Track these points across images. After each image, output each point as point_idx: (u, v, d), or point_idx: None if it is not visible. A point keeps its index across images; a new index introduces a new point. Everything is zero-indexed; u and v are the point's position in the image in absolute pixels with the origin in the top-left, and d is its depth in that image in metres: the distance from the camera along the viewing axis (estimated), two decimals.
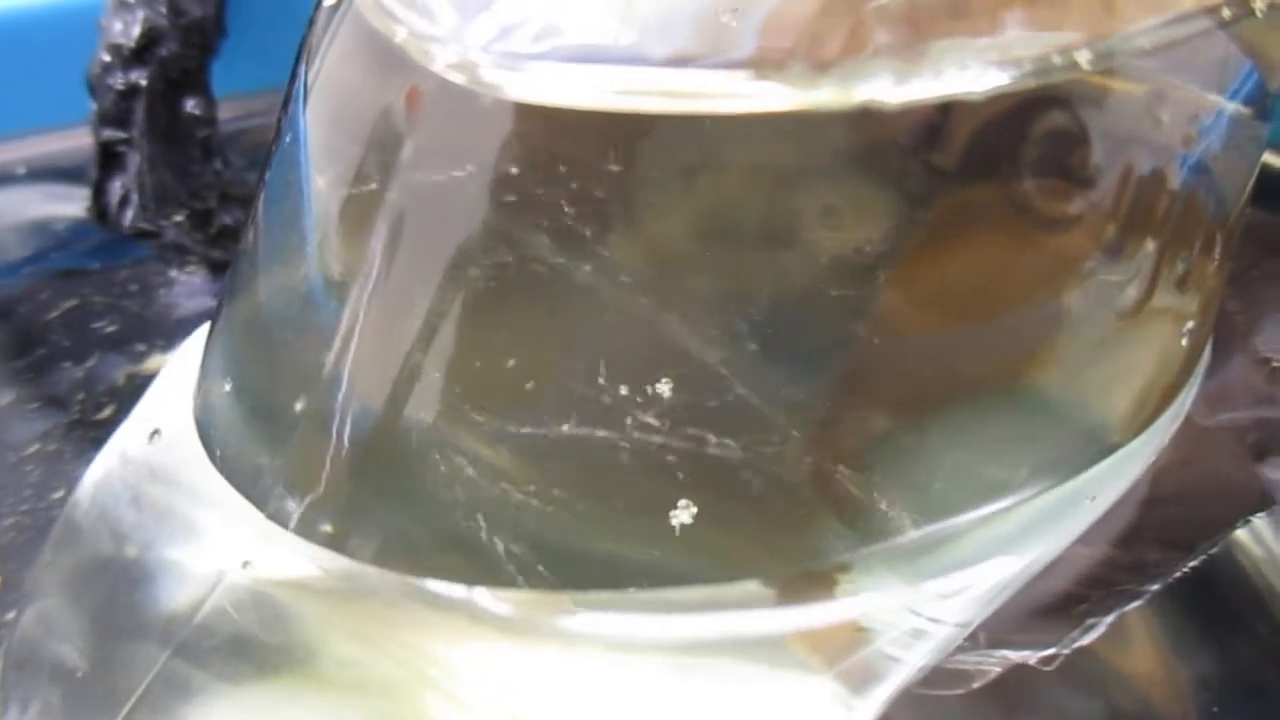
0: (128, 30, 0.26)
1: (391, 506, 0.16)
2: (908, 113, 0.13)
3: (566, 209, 0.14)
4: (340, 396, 0.15)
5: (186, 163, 0.26)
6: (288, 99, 0.17)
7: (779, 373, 0.14)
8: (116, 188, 0.26)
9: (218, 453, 0.17)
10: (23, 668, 0.17)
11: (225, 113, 0.28)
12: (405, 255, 0.15)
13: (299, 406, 0.16)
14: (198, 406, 0.18)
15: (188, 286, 0.26)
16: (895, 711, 0.15)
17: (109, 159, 0.26)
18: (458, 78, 0.14)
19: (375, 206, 0.15)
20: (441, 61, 0.14)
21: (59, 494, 0.21)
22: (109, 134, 0.26)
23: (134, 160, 0.26)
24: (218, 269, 0.27)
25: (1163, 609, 0.20)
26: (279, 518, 0.16)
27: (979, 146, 0.14)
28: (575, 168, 0.14)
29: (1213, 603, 0.20)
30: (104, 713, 0.15)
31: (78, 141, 0.27)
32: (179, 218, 0.26)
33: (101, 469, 0.19)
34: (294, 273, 0.16)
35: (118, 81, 0.26)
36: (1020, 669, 0.16)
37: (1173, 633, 0.20)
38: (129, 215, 0.26)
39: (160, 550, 0.17)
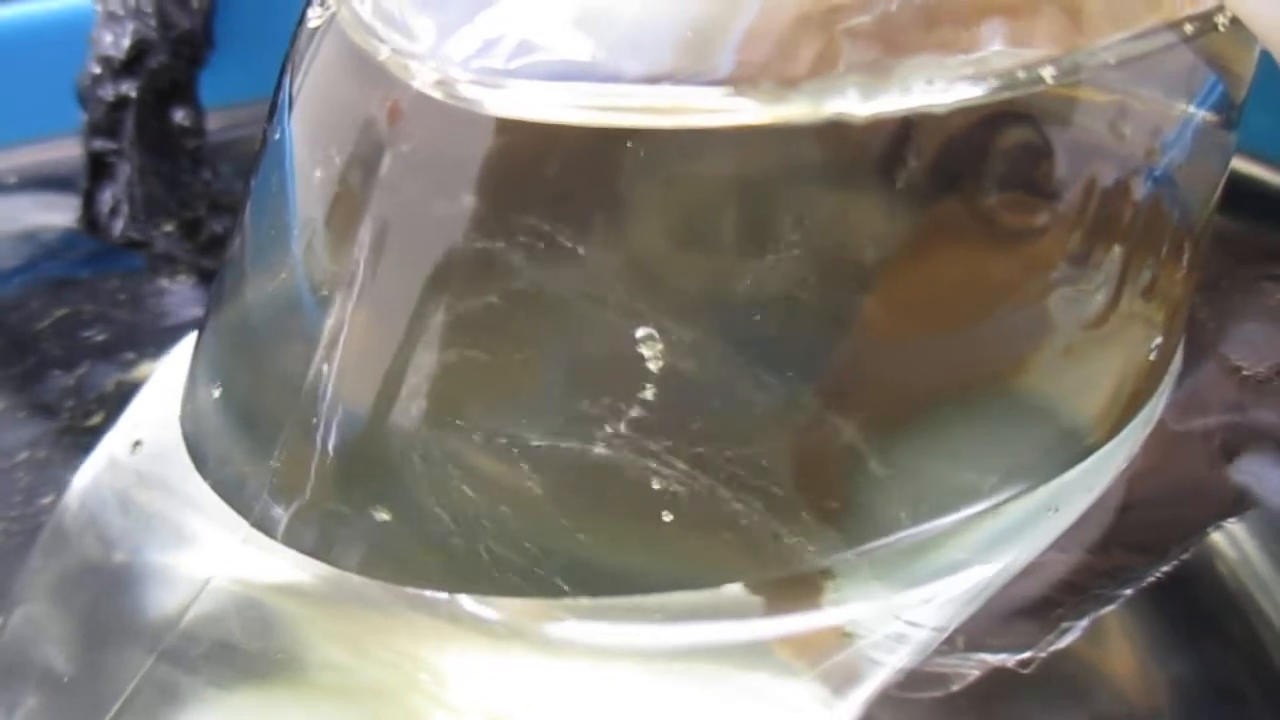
0: (117, 42, 0.26)
1: (377, 514, 0.16)
2: (877, 127, 0.14)
3: (545, 222, 0.14)
4: (325, 405, 0.16)
5: (176, 173, 0.27)
6: (272, 111, 0.17)
7: (757, 381, 0.15)
8: (107, 197, 0.26)
9: (205, 460, 0.17)
10: (9, 672, 0.17)
11: (214, 123, 0.28)
12: (388, 266, 0.15)
13: (284, 415, 0.16)
14: (185, 414, 0.18)
15: (177, 295, 0.26)
16: (877, 714, 0.16)
17: (99, 169, 0.27)
18: (437, 94, 0.14)
19: (358, 218, 0.15)
20: (421, 78, 0.14)
21: (48, 500, 0.21)
22: (99, 144, 0.26)
23: (124, 170, 0.26)
24: (207, 278, 0.27)
25: (1140, 612, 0.20)
26: (265, 525, 0.16)
27: (946, 160, 0.14)
28: (553, 181, 0.14)
29: (1189, 606, 0.20)
30: (89, 717, 0.16)
31: (68, 152, 0.27)
32: (169, 227, 0.27)
33: (89, 475, 0.19)
34: (279, 282, 0.17)
35: (107, 93, 0.26)
36: (1000, 672, 0.17)
37: (1150, 636, 0.20)
38: (119, 225, 0.26)
39: (147, 556, 0.17)
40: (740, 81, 0.14)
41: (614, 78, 0.14)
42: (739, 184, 0.14)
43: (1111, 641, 0.20)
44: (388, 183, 0.15)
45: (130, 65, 0.26)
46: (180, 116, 0.27)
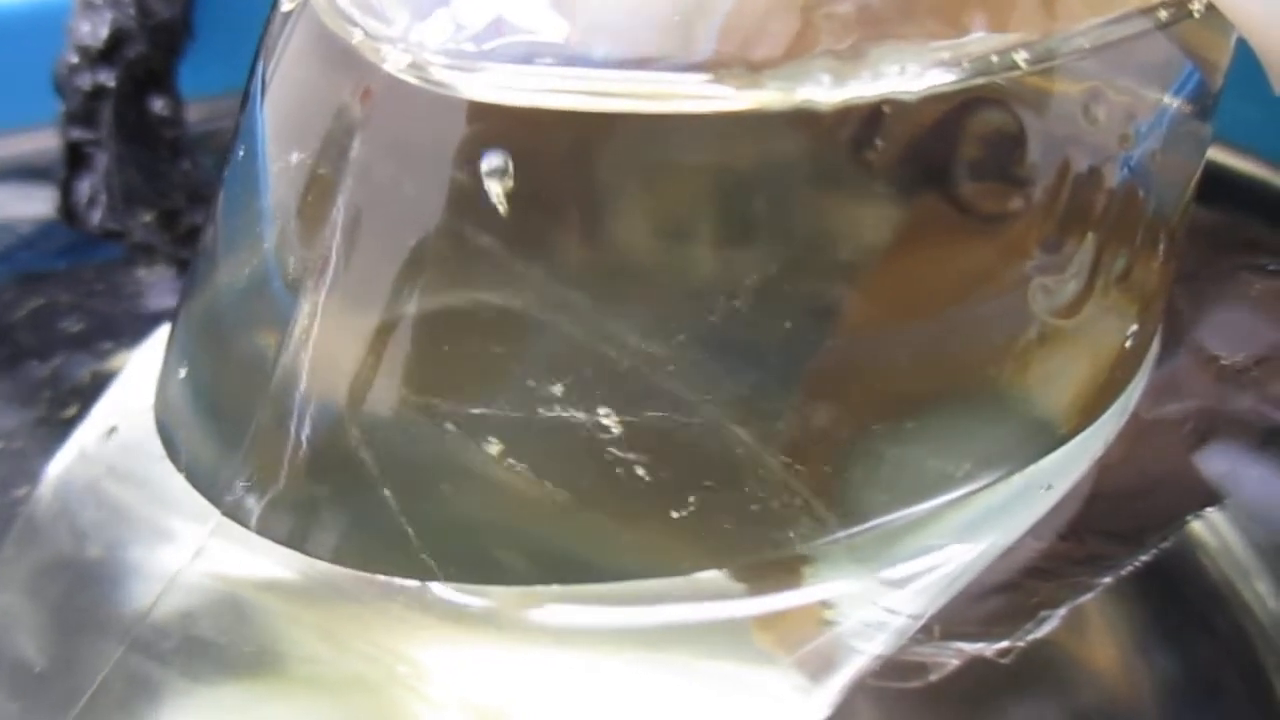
0: (95, 31, 0.26)
1: (352, 504, 0.16)
2: (850, 115, 0.14)
3: (518, 208, 0.14)
4: (298, 394, 0.15)
5: (154, 163, 0.26)
6: (245, 98, 0.17)
7: (737, 372, 0.15)
8: (84, 187, 0.26)
9: (177, 450, 0.17)
10: None
11: (194, 115, 0.28)
12: (360, 253, 0.15)
13: (257, 405, 0.16)
14: (157, 404, 0.18)
15: (155, 286, 0.26)
16: (857, 706, 0.16)
17: (77, 159, 0.26)
18: (409, 77, 0.14)
19: (330, 205, 0.15)
20: (394, 61, 0.14)
21: (22, 491, 0.21)
22: (76, 134, 0.26)
23: (102, 160, 0.26)
24: (186, 268, 0.27)
25: (1121, 603, 0.20)
26: (238, 515, 0.16)
27: (919, 148, 0.14)
28: (526, 167, 0.14)
29: (1171, 597, 0.20)
30: (60, 708, 0.16)
31: (45, 142, 0.27)
32: (147, 217, 0.26)
33: (62, 465, 0.19)
34: (251, 270, 0.16)
35: (85, 82, 0.26)
36: (979, 664, 0.17)
37: (1132, 627, 0.20)
38: (97, 215, 0.26)
39: (119, 547, 0.17)
40: (716, 67, 0.14)
41: (590, 62, 0.14)
42: (715, 173, 0.14)
43: (1093, 633, 0.20)
44: (359, 169, 0.15)
45: (108, 54, 0.26)
46: (159, 106, 0.27)
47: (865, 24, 0.14)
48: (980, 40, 0.14)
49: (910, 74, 0.14)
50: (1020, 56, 0.14)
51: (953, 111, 0.14)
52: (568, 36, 0.14)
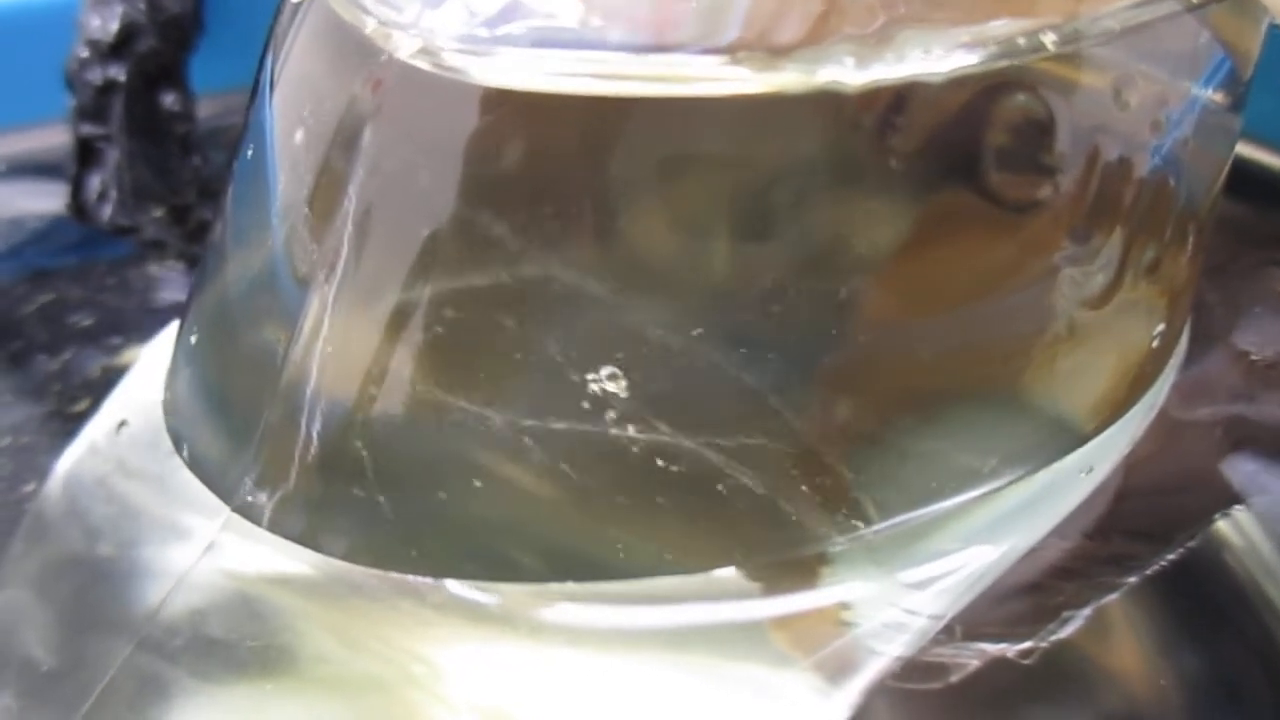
0: (105, 26, 0.26)
1: (363, 501, 0.15)
2: (874, 100, 0.13)
3: (532, 197, 0.14)
4: (308, 390, 0.15)
5: (165, 158, 0.26)
6: (255, 91, 0.17)
7: (755, 366, 0.14)
8: (95, 183, 0.26)
9: (186, 447, 0.17)
10: None
11: (206, 110, 0.28)
12: (372, 246, 0.15)
13: (266, 401, 0.16)
14: (166, 400, 0.18)
15: (166, 281, 0.26)
16: (876, 708, 0.15)
17: (87, 154, 0.26)
18: (422, 63, 0.14)
19: (341, 197, 0.15)
20: (406, 47, 0.14)
21: (30, 487, 0.21)
22: (87, 129, 0.26)
23: (112, 155, 0.26)
24: (196, 264, 0.26)
25: (1145, 604, 0.20)
26: (250, 513, 0.16)
27: (946, 134, 0.14)
28: (540, 154, 0.14)
29: (1195, 597, 0.20)
30: (68, 706, 0.15)
31: (56, 137, 0.27)
32: (158, 213, 0.26)
33: (71, 460, 0.19)
34: (261, 265, 0.16)
35: (96, 77, 0.26)
36: (1000, 665, 0.16)
37: (1155, 628, 0.19)
38: (108, 210, 0.26)
39: (129, 544, 0.17)
40: (736, 49, 0.13)
41: (605, 45, 0.14)
42: (735, 163, 0.14)
43: (1116, 634, 0.19)
44: (370, 160, 0.15)
45: (118, 49, 0.26)
46: (169, 101, 0.26)
47: (890, 9, 0.14)
48: (1006, 23, 0.14)
49: (935, 56, 0.13)
50: (1048, 38, 0.14)
51: (980, 97, 0.14)
52: (583, 21, 0.14)
